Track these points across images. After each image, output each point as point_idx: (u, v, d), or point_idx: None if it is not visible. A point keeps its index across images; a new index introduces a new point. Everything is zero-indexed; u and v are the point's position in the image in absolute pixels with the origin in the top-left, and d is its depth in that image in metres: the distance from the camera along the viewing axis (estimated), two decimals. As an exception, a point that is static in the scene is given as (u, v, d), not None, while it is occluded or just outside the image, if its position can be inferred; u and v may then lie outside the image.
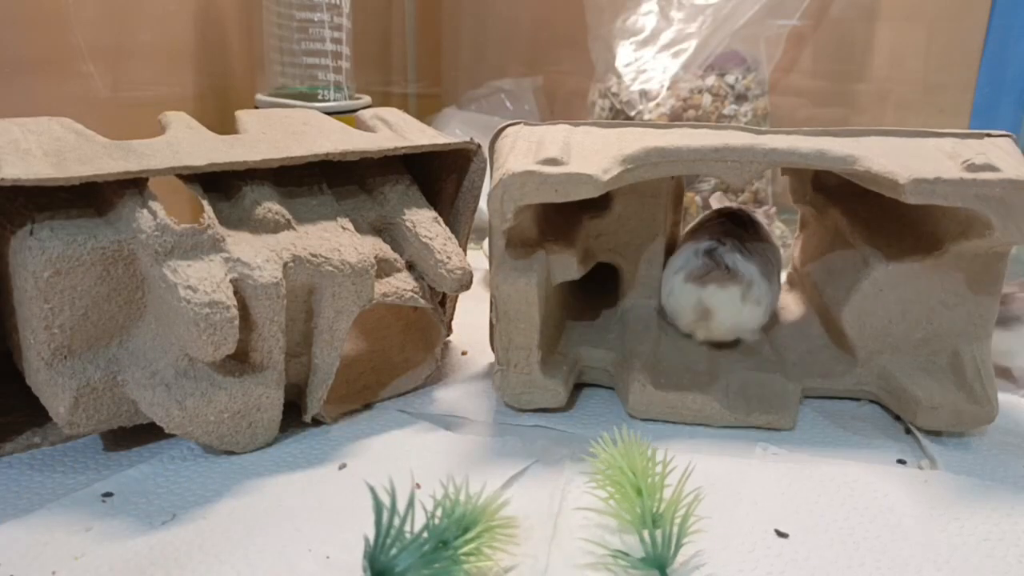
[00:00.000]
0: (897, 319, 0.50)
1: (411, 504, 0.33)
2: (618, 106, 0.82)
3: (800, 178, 0.61)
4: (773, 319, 0.58)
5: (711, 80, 0.81)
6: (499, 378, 0.50)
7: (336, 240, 0.46)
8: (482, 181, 0.54)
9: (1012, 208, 0.43)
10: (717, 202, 0.79)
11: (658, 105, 0.80)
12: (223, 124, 0.51)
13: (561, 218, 0.54)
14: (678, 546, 0.35)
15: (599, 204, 0.55)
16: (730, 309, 0.52)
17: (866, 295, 0.50)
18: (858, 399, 0.53)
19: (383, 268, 0.49)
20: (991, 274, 0.48)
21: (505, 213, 0.45)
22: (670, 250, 0.57)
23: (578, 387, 0.54)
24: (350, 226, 0.48)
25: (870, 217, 0.54)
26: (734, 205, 0.71)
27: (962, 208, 0.44)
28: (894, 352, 0.51)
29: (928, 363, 0.50)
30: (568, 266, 0.51)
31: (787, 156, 0.46)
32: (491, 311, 0.50)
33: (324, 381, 0.47)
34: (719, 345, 0.55)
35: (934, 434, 0.49)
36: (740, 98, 0.81)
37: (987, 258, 0.48)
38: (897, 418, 0.51)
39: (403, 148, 0.50)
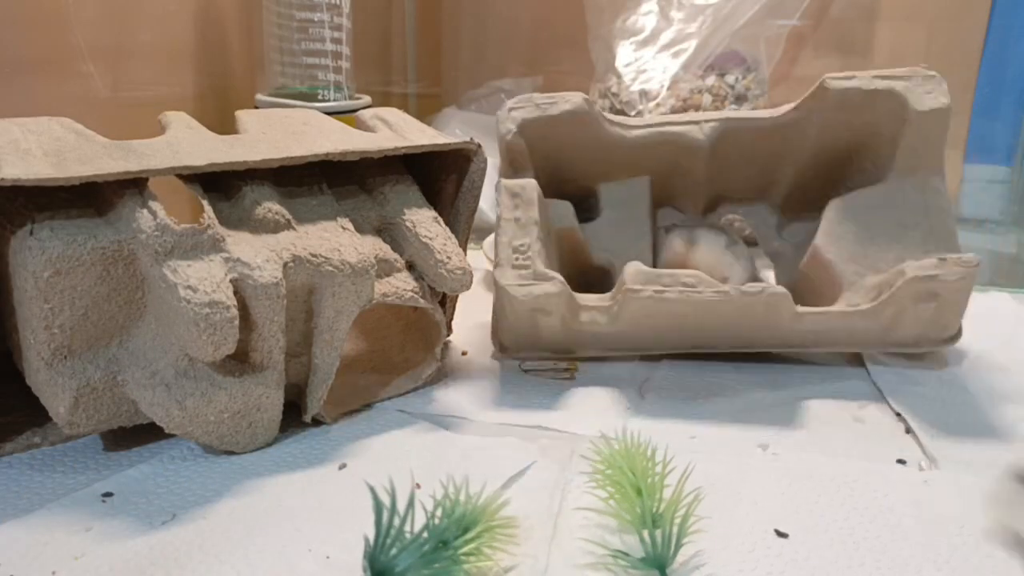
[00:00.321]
0: (866, 239, 0.56)
1: (411, 504, 0.33)
2: (618, 106, 0.82)
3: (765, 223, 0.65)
4: None
5: (711, 80, 0.81)
6: (497, 273, 0.52)
7: (336, 240, 0.46)
8: (482, 181, 0.54)
9: (915, 85, 0.54)
10: None
11: (658, 105, 0.80)
12: (223, 124, 0.51)
13: None
14: (678, 546, 0.35)
15: (589, 211, 0.60)
16: (715, 248, 0.59)
17: (832, 221, 0.57)
18: (858, 366, 0.55)
19: (383, 268, 0.49)
20: (936, 195, 0.56)
21: (510, 127, 0.56)
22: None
23: (578, 386, 0.54)
24: (350, 226, 0.48)
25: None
26: None
27: (878, 97, 0.54)
28: (876, 274, 0.54)
29: None
30: (566, 212, 0.58)
31: (746, 115, 0.57)
32: (496, 225, 0.54)
33: (324, 381, 0.47)
34: None
35: (928, 351, 0.53)
36: (740, 98, 0.81)
37: (926, 179, 0.56)
38: (898, 415, 0.51)
39: (403, 148, 0.50)
